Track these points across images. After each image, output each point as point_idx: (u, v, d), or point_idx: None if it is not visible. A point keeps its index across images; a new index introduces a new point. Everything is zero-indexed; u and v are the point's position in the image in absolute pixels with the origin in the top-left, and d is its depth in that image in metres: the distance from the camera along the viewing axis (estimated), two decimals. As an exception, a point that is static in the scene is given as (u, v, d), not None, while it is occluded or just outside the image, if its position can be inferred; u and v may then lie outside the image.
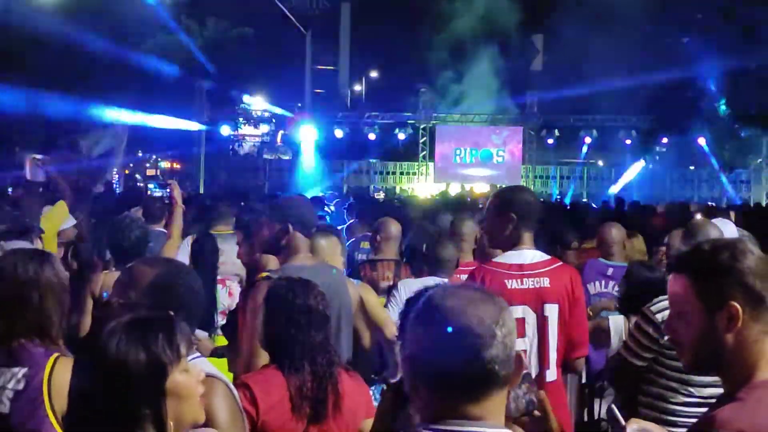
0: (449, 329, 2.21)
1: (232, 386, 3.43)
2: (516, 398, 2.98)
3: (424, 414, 2.27)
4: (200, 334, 6.66)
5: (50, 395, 3.54)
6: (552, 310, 4.87)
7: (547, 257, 5.07)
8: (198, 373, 2.79)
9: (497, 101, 44.78)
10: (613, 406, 3.00)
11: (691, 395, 4.67)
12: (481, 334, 2.21)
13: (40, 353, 3.64)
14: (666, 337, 4.49)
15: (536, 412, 3.05)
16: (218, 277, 7.55)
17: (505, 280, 4.80)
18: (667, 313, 2.95)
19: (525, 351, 4.78)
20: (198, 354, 3.39)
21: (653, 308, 4.91)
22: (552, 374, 4.85)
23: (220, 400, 3.26)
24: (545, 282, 4.88)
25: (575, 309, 4.96)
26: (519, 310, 4.76)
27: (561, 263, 5.19)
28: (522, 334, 4.76)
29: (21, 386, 3.56)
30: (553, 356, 4.86)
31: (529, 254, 4.98)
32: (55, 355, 3.64)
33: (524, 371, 4.54)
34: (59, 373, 3.56)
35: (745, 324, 2.63)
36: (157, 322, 2.74)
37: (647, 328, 4.87)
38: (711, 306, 2.66)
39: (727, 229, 6.85)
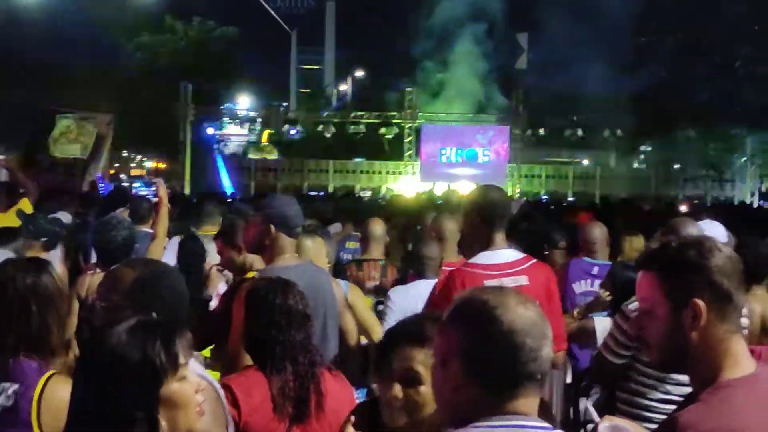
0: (512, 329, 2.28)
1: (218, 387, 3.42)
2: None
3: (470, 411, 2.30)
4: None
5: (39, 414, 3.44)
6: None
7: (521, 255, 5.18)
8: (197, 382, 2.77)
9: (483, 100, 44.85)
10: (589, 405, 3.04)
11: (667, 393, 4.69)
12: (537, 334, 2.30)
13: (33, 369, 3.54)
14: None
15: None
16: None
17: (484, 281, 4.84)
18: None
19: None
20: None
21: (631, 306, 4.94)
22: None
23: (206, 403, 3.24)
24: (523, 280, 4.96)
25: (552, 304, 5.04)
26: None
27: (536, 261, 5.28)
28: None
29: (10, 403, 3.48)
30: None
31: (504, 254, 5.09)
32: (50, 372, 3.54)
33: None
34: (51, 391, 3.47)
35: (710, 323, 2.61)
36: (156, 328, 2.72)
37: (625, 326, 4.90)
38: (676, 303, 2.63)
39: (715, 231, 6.92)
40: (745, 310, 4.87)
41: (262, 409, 3.86)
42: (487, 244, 5.11)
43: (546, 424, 2.31)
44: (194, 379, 2.77)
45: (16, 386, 3.50)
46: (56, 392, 3.41)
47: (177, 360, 2.68)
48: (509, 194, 36.57)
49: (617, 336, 4.94)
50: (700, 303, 2.60)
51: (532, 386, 2.30)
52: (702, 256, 2.64)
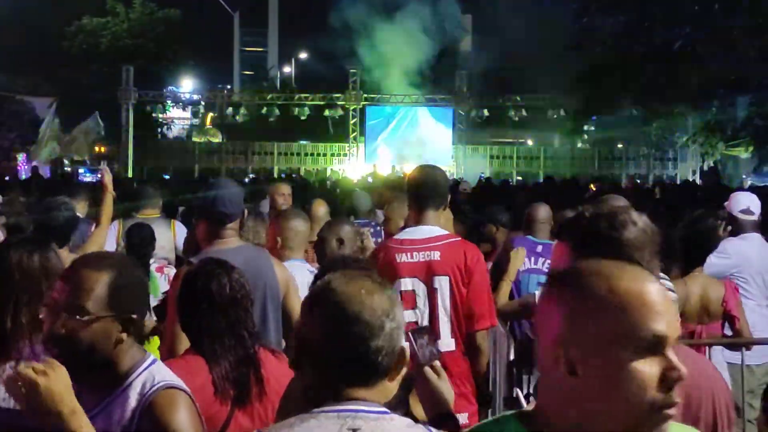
0: (341, 315, 2.27)
1: (191, 393, 3.26)
2: (422, 346, 3.04)
3: (310, 394, 2.32)
4: None
5: None
6: (442, 282, 5.10)
7: (443, 233, 5.31)
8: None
9: (427, 81, 44.86)
10: (519, 393, 3.05)
11: None
12: (370, 323, 2.27)
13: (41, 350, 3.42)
14: None
15: (437, 363, 3.08)
16: (156, 266, 7.49)
17: (396, 254, 5.14)
18: None
19: (416, 322, 5.01)
20: (154, 358, 3.23)
21: None
22: (446, 345, 4.96)
23: (186, 415, 3.04)
24: (435, 255, 5.13)
25: (471, 281, 5.13)
26: (408, 283, 5.09)
27: (458, 239, 5.40)
28: (412, 306, 5.06)
29: None
30: (445, 327, 5.05)
31: (425, 230, 5.25)
32: None
33: (424, 324, 4.66)
34: None
35: None
36: None
37: None
38: None
39: (750, 200, 7.51)
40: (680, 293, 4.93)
41: (202, 393, 3.81)
42: (415, 222, 5.32)
43: (381, 409, 2.31)
44: None
45: None
46: None
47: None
48: (454, 175, 36.70)
49: None
50: None
51: (367, 375, 2.31)
52: (614, 229, 2.63)
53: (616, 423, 1.77)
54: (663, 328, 1.77)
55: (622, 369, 1.74)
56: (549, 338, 1.86)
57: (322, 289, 2.36)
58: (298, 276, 5.48)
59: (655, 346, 1.77)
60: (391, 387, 2.39)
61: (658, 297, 1.80)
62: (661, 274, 5.05)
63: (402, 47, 44.19)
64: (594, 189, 19.75)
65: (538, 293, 6.33)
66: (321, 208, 8.26)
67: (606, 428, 1.79)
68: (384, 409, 2.31)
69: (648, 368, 1.75)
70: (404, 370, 2.41)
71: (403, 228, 5.74)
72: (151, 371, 3.10)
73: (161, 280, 7.49)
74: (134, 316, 3.07)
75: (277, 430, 2.34)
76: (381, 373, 2.33)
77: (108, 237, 7.74)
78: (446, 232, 5.34)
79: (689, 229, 6.73)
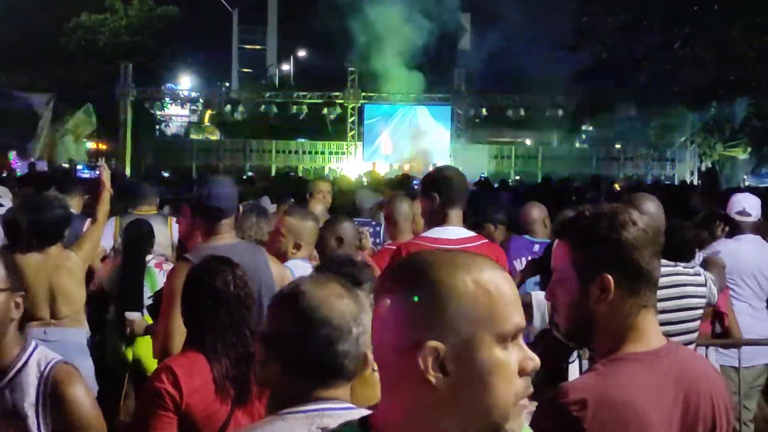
0: (310, 317, 2.33)
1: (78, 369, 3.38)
2: None
3: (278, 395, 2.36)
4: (132, 315, 6.65)
5: None
6: None
7: (472, 234, 5.32)
8: None
9: (425, 80, 44.82)
10: None
11: None
12: (338, 327, 2.33)
13: None
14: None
15: None
16: (155, 261, 7.49)
17: None
18: None
19: None
20: (35, 343, 3.30)
21: None
22: None
23: (83, 386, 3.24)
24: None
25: None
26: None
27: (486, 241, 5.40)
28: None
29: None
30: None
31: (454, 231, 5.22)
32: None
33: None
34: None
35: (618, 296, 2.59)
36: None
37: None
38: (585, 275, 2.61)
39: (750, 202, 7.54)
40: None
41: (203, 391, 3.81)
42: (441, 221, 5.27)
43: (347, 405, 2.33)
44: None
45: None
46: None
47: None
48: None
49: None
50: (609, 278, 2.57)
51: (332, 377, 2.35)
52: (613, 229, 2.60)
53: (483, 421, 1.75)
54: (520, 320, 1.79)
55: (492, 361, 1.73)
56: (400, 341, 1.77)
57: (291, 291, 2.41)
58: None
59: (514, 336, 1.77)
60: (368, 391, 2.43)
61: (513, 288, 1.82)
62: (690, 266, 5.03)
63: (400, 41, 44.14)
64: (619, 188, 20.10)
65: (534, 293, 6.35)
66: (318, 207, 8.25)
67: (473, 429, 1.76)
68: (350, 404, 2.33)
69: (513, 359, 1.76)
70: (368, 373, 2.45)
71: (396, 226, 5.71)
72: (41, 351, 3.21)
73: (160, 276, 7.48)
74: (23, 295, 3.17)
75: None
76: (345, 376, 2.37)
77: (105, 233, 7.74)
78: (474, 234, 5.37)
79: (674, 231, 6.72)
